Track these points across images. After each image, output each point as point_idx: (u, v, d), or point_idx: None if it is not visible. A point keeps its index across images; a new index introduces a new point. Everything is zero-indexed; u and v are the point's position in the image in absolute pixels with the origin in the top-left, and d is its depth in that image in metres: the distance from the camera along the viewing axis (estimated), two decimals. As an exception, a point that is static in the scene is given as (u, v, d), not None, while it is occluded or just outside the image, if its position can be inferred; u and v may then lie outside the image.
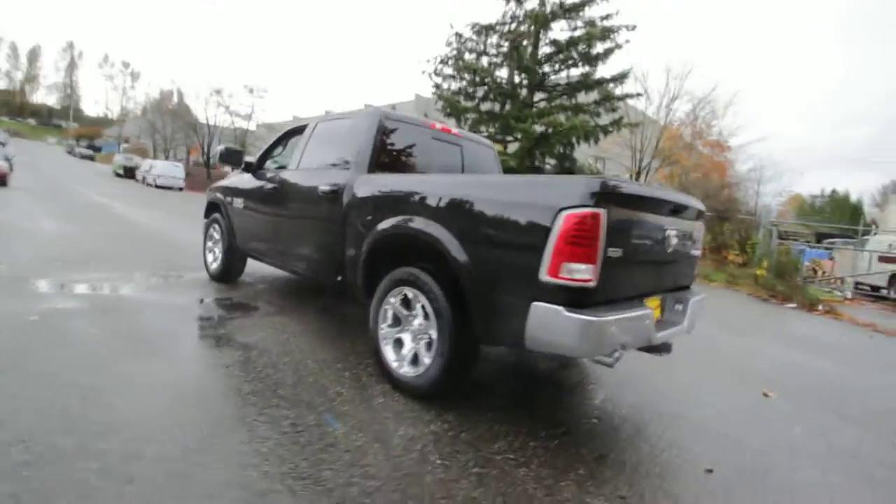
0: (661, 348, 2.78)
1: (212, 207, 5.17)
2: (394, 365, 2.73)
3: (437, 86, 19.26)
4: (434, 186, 2.60)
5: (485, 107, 18.53)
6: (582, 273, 1.97)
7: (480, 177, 2.57)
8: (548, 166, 17.91)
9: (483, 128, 18.57)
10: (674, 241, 2.50)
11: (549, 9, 17.31)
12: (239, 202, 4.55)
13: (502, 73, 18.29)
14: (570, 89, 17.74)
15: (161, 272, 5.20)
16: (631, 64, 17.05)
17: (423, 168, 3.56)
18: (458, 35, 18.57)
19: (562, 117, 17.17)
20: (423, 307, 2.62)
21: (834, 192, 62.58)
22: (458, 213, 2.39)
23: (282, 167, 4.46)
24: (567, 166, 17.33)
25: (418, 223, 2.55)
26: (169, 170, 26.81)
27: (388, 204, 2.82)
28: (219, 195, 4.98)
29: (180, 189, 26.45)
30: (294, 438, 2.08)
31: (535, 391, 3.07)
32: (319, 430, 2.19)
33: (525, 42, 16.93)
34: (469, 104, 18.26)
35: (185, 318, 3.68)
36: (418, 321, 2.69)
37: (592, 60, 17.00)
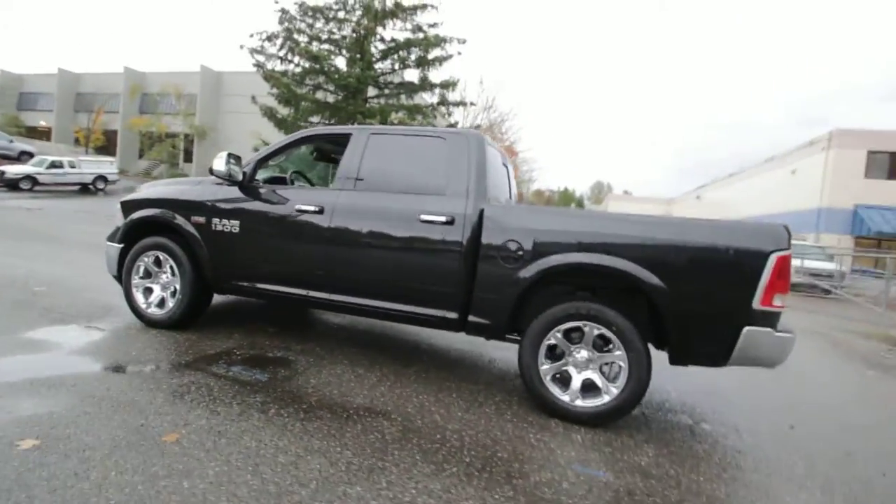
0: None
1: (143, 228, 3.74)
2: (566, 399, 2.76)
3: (260, 64, 17.22)
4: (628, 226, 2.70)
5: (316, 96, 17.45)
6: (782, 300, 2.50)
7: (677, 220, 2.80)
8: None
9: (317, 118, 17.52)
10: None
11: (380, 4, 17.28)
12: (229, 224, 3.46)
13: (337, 63, 17.53)
14: (404, 89, 18.27)
15: (62, 324, 3.53)
16: (458, 75, 18.33)
17: (494, 192, 3.50)
18: (284, 11, 16.88)
19: (400, 114, 17.66)
20: (598, 339, 2.73)
21: (566, 188, 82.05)
22: (660, 253, 2.59)
23: (297, 182, 3.57)
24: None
25: (610, 261, 2.63)
26: None
27: (556, 240, 2.76)
28: (165, 212, 3.64)
29: None
30: (609, 497, 2.01)
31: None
32: (601, 482, 2.14)
33: (365, 34, 16.57)
34: (301, 91, 16.92)
35: (226, 390, 2.71)
36: (584, 353, 2.79)
37: (426, 65, 17.83)
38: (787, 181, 20.77)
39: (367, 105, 17.51)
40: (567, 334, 2.79)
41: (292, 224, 3.34)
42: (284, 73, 17.14)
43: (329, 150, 4.37)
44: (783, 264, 2.46)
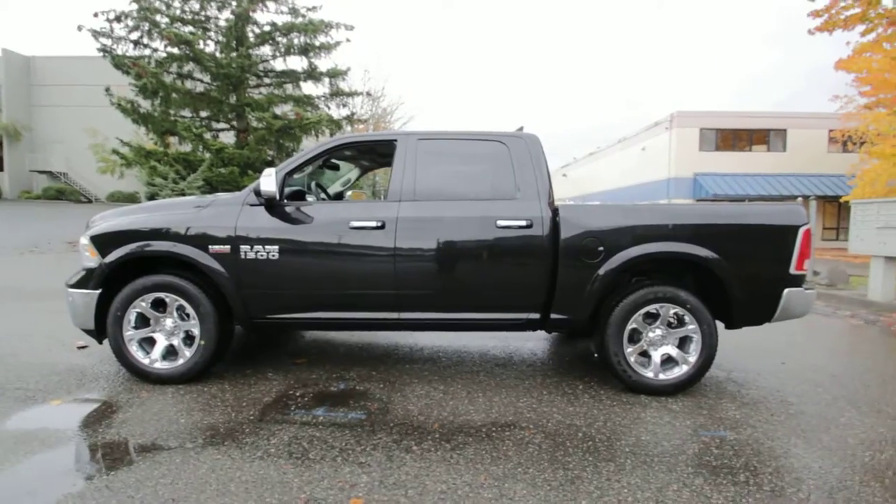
0: None
1: (130, 267, 3.04)
2: (650, 375, 3.05)
3: (108, 49, 14.46)
4: (692, 216, 3.04)
5: (180, 86, 15.26)
6: (807, 264, 3.09)
7: (728, 208, 3.18)
8: (275, 160, 16.68)
9: (188, 112, 15.38)
10: None
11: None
12: (263, 250, 2.98)
13: (207, 49, 15.50)
14: (287, 78, 17.03)
15: (39, 403, 2.73)
16: (348, 64, 17.50)
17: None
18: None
19: (286, 108, 16.50)
20: (674, 318, 3.06)
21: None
22: (722, 235, 2.99)
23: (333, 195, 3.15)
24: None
25: (686, 248, 2.94)
26: None
27: (631, 233, 2.98)
28: (170, 245, 2.99)
29: None
30: (751, 450, 2.32)
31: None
32: (732, 440, 2.46)
33: (242, 16, 14.87)
34: (168, 81, 14.66)
35: (340, 437, 2.41)
36: (658, 332, 3.11)
37: (311, 51, 16.77)
38: (639, 157, 24.50)
39: (249, 96, 15.87)
40: (643, 317, 3.08)
41: (348, 244, 3.03)
42: (139, 59, 14.56)
43: (356, 158, 3.99)
44: (807, 235, 3.05)
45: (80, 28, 13.68)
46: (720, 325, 3.21)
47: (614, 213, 3.11)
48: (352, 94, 17.45)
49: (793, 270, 3.04)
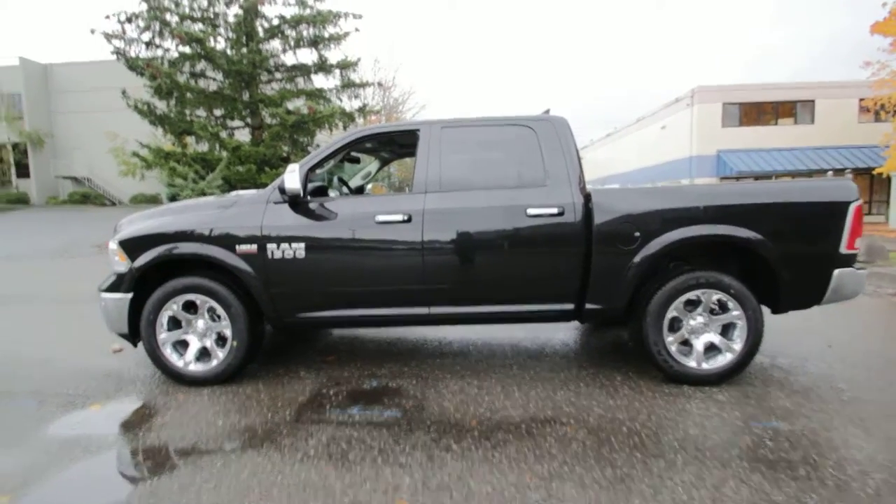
0: None
1: (160, 270, 3.04)
2: (693, 364, 2.93)
3: (121, 51, 14.55)
4: (734, 195, 2.88)
5: (194, 85, 15.32)
6: (859, 243, 2.92)
7: (773, 185, 3.02)
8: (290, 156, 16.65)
9: (202, 111, 15.46)
10: None
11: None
12: (290, 249, 2.94)
13: (218, 46, 15.49)
14: (299, 72, 16.96)
15: (79, 409, 2.76)
16: (357, 54, 17.36)
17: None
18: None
19: (299, 102, 16.46)
20: (717, 304, 2.92)
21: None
22: (767, 215, 2.83)
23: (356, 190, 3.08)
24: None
25: (730, 230, 2.80)
26: None
27: (669, 217, 2.85)
28: (198, 246, 2.98)
29: None
30: (807, 441, 2.21)
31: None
32: (785, 431, 2.34)
33: (251, 10, 14.79)
34: (182, 80, 14.72)
35: (378, 437, 2.38)
36: (699, 319, 2.97)
37: (321, 43, 16.63)
38: (659, 136, 23.88)
39: (261, 92, 15.87)
40: (684, 304, 2.95)
41: (375, 239, 2.96)
42: (153, 60, 14.67)
43: (376, 150, 3.91)
44: (859, 212, 2.87)
45: (92, 31, 13.81)
46: (765, 310, 3.07)
47: (650, 196, 2.97)
48: (363, 85, 17.30)
49: (843, 250, 2.86)
